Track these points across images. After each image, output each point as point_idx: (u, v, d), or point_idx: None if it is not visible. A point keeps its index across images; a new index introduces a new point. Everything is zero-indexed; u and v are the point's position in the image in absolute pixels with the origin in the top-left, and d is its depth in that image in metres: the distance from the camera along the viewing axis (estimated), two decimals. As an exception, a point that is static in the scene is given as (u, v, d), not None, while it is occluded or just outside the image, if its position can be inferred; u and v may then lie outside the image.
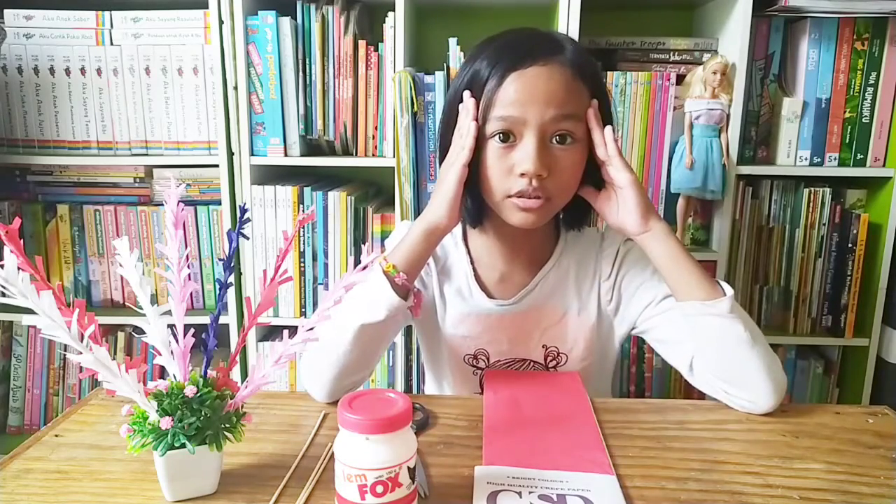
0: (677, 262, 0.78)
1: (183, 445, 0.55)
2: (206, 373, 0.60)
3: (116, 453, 0.65)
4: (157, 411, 0.55)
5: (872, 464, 0.65)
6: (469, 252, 0.92)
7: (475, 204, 0.86)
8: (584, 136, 0.80)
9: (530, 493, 0.57)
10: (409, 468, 0.52)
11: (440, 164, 0.92)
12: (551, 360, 0.90)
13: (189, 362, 0.59)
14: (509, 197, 0.79)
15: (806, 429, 0.72)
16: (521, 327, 0.90)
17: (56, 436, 0.69)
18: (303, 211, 1.34)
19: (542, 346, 0.90)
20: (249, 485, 0.61)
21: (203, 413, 0.56)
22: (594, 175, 0.84)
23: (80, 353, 0.53)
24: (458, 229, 0.94)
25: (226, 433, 0.58)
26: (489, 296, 0.90)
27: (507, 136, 0.78)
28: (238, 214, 0.61)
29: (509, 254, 0.90)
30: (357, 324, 0.77)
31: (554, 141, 0.77)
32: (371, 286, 0.78)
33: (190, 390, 0.56)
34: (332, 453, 0.60)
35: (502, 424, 0.70)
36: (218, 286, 0.62)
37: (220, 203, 1.40)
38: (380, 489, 0.51)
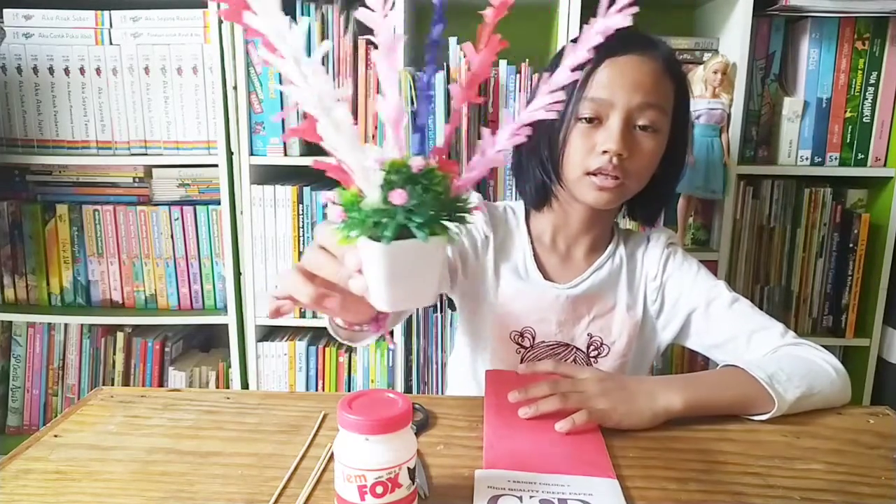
0: (714, 408, 0.74)
1: (405, 229, 0.43)
2: (424, 139, 0.49)
3: (116, 453, 0.65)
4: (382, 186, 0.44)
5: (873, 464, 0.65)
6: (530, 233, 0.95)
7: (547, 184, 0.89)
8: (665, 129, 0.85)
9: (531, 497, 0.57)
10: (408, 469, 0.52)
11: (519, 147, 0.92)
12: (593, 350, 0.92)
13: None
14: (587, 174, 0.83)
15: (807, 429, 0.72)
16: (572, 311, 0.92)
17: (55, 436, 0.69)
18: (303, 211, 1.34)
19: (588, 335, 0.92)
20: (249, 485, 0.60)
21: (434, 193, 0.44)
22: (669, 170, 0.89)
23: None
24: (520, 210, 0.98)
25: (452, 219, 0.46)
26: (546, 277, 0.92)
27: (593, 119, 0.83)
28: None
29: (571, 238, 0.94)
30: None
31: (637, 127, 0.82)
32: None
33: (416, 163, 0.44)
34: (332, 454, 0.59)
35: (503, 427, 0.70)
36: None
37: (219, 203, 1.40)
38: (379, 490, 0.51)
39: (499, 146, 0.50)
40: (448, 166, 0.47)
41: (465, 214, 0.46)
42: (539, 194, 0.92)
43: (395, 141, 0.46)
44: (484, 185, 1.35)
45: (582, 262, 0.94)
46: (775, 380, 0.73)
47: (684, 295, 0.91)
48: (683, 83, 0.88)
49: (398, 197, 0.42)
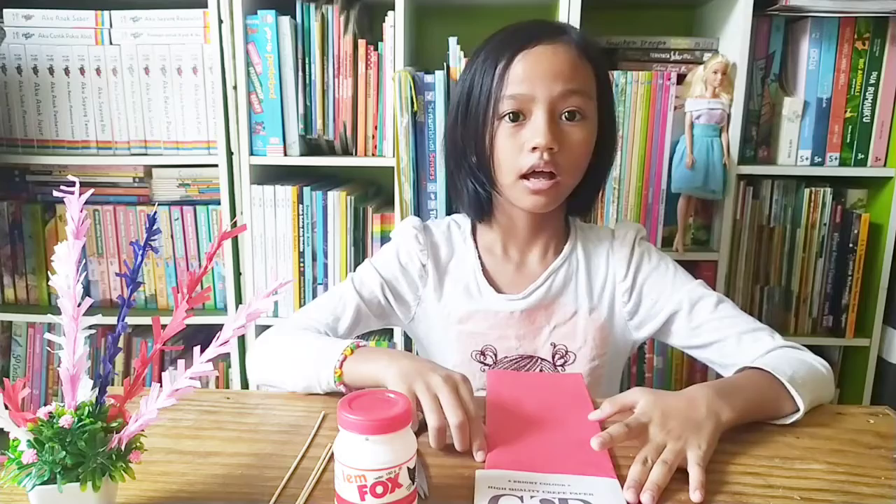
0: (752, 415, 0.71)
1: (53, 481, 0.49)
2: (104, 388, 0.54)
3: (115, 454, 0.65)
4: (28, 442, 0.49)
5: (873, 464, 0.65)
6: (477, 247, 0.92)
7: (484, 194, 0.87)
8: (592, 115, 0.82)
9: (532, 497, 0.57)
10: (408, 469, 0.52)
11: (445, 160, 0.93)
12: (559, 359, 0.90)
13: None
14: (521, 178, 0.81)
15: (807, 429, 0.72)
16: (530, 325, 0.89)
17: (55, 436, 0.68)
18: (303, 211, 1.34)
19: (551, 344, 0.89)
20: (249, 485, 0.60)
21: (77, 448, 0.49)
22: (603, 157, 0.86)
23: None
24: (466, 224, 0.95)
25: (110, 471, 0.51)
26: (498, 291, 0.90)
27: (518, 116, 0.80)
28: (147, 225, 0.56)
29: (520, 246, 0.91)
30: (295, 387, 0.78)
31: (563, 118, 0.80)
32: (322, 365, 0.75)
33: (66, 420, 0.50)
34: (332, 454, 0.59)
35: (504, 427, 0.70)
36: (121, 301, 0.59)
37: (219, 203, 1.40)
38: (379, 490, 0.51)
39: (160, 401, 0.53)
40: (120, 415, 0.53)
41: (117, 467, 0.51)
42: (477, 205, 0.88)
43: (69, 394, 0.52)
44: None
45: (537, 267, 0.91)
46: (795, 384, 0.72)
47: (664, 296, 0.88)
48: (602, 65, 0.84)
49: (28, 457, 0.48)
